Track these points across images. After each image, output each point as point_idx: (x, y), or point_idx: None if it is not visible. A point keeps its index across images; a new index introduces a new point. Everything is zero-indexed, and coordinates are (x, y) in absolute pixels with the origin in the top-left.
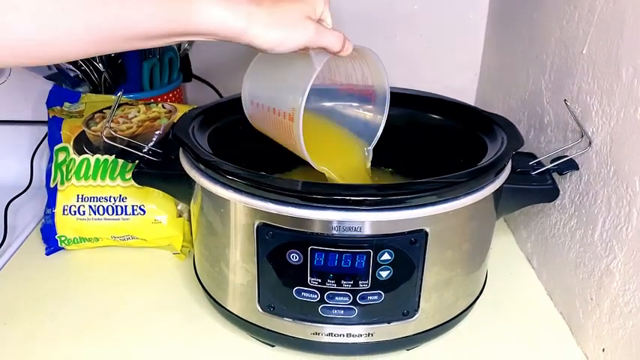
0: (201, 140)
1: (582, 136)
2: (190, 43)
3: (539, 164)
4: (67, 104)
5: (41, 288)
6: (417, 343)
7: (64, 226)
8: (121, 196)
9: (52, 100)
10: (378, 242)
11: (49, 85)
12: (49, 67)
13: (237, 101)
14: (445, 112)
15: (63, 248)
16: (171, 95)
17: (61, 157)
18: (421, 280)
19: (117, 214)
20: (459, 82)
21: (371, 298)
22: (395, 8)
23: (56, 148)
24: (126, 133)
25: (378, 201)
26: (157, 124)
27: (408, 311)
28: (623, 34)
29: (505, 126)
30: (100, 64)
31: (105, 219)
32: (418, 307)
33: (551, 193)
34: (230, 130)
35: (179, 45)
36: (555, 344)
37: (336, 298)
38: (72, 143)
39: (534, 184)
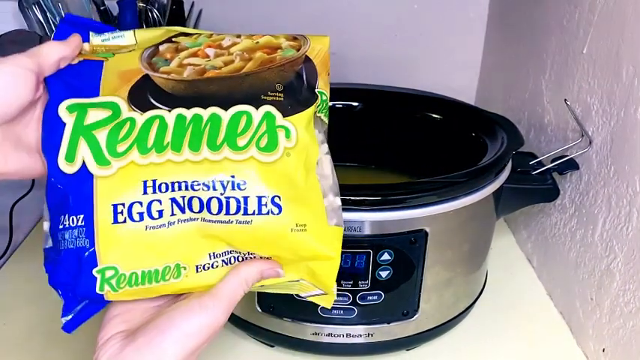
0: None
1: (582, 135)
2: None
3: (540, 164)
4: (96, 36)
5: (41, 287)
6: (417, 344)
7: (116, 247)
8: (234, 180)
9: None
10: (377, 242)
11: None
12: None
13: None
14: (445, 112)
15: (103, 302)
16: None
17: (96, 117)
18: (421, 280)
19: (228, 212)
20: (459, 82)
21: (371, 298)
22: (395, 8)
23: (88, 102)
24: (225, 71)
25: (377, 201)
26: (278, 58)
27: (408, 311)
28: (624, 33)
29: (505, 126)
30: None
31: (204, 220)
32: (418, 307)
33: (552, 193)
34: None
35: None
36: (555, 344)
37: (336, 298)
38: (127, 95)
39: (534, 183)
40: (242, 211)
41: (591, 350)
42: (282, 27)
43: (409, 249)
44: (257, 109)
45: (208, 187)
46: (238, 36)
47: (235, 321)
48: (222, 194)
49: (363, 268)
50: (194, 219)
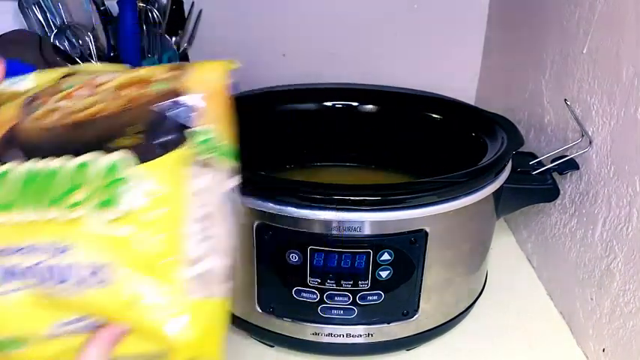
0: None
1: (582, 135)
2: (190, 42)
3: (540, 164)
4: (6, 81)
5: None
6: (417, 344)
7: None
8: (63, 244)
9: None
10: (377, 242)
11: None
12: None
13: (236, 101)
14: (445, 112)
15: None
16: None
17: None
18: (421, 280)
19: (63, 281)
20: (459, 82)
21: (371, 298)
22: (395, 7)
23: None
24: (82, 115)
25: (377, 201)
26: (147, 93)
27: (408, 311)
28: (624, 33)
29: (505, 126)
30: (97, 61)
31: (37, 287)
32: (418, 307)
33: (552, 193)
34: None
35: (178, 44)
36: (555, 344)
37: (336, 298)
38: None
39: (534, 183)
40: (73, 280)
41: (591, 350)
42: (281, 26)
43: (409, 249)
44: (106, 155)
45: (34, 253)
46: (123, 71)
47: (235, 321)
48: (49, 261)
49: (363, 268)
50: (25, 287)
